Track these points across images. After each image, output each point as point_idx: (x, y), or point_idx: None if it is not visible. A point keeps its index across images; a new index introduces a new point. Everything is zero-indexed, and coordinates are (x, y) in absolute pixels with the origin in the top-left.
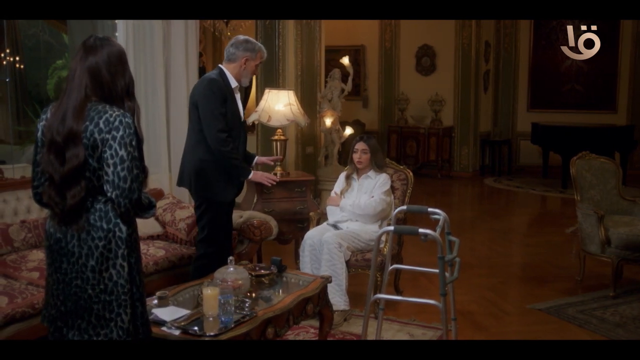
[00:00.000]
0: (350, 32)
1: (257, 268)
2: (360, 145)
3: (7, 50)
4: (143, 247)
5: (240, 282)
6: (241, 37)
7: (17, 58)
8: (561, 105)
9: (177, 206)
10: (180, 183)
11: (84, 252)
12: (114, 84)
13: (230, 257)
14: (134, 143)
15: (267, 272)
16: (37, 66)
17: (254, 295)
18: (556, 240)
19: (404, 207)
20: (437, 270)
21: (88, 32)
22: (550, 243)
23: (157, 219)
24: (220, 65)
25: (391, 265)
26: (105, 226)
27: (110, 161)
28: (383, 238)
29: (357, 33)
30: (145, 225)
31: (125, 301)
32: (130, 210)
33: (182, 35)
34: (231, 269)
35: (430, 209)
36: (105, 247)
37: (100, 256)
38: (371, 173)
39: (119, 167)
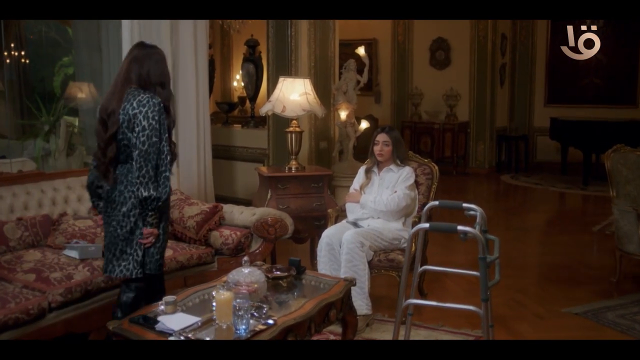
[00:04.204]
0: (362, 26)
1: (274, 270)
2: (381, 137)
3: (12, 45)
4: None
5: (256, 285)
6: None
7: (23, 53)
8: (579, 100)
9: (186, 203)
10: None
11: (120, 200)
12: (146, 74)
13: (245, 258)
14: (156, 118)
15: (285, 274)
16: (44, 62)
17: (271, 300)
18: (584, 238)
19: (436, 202)
20: (472, 272)
21: (93, 26)
22: (578, 242)
23: None
24: None
25: (420, 266)
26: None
27: (137, 129)
28: (405, 236)
29: (369, 26)
30: None
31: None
32: (149, 170)
33: (191, 25)
34: (246, 270)
35: (465, 204)
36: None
37: (132, 205)
38: (393, 167)
39: (140, 134)
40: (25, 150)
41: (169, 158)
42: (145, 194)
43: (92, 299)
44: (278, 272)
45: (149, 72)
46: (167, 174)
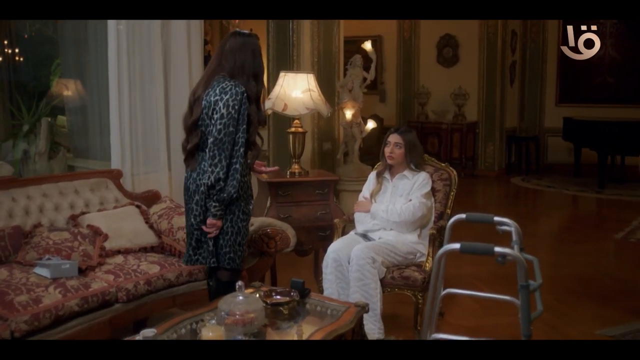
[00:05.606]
0: (367, 22)
1: (274, 294)
2: (393, 138)
3: (5, 42)
4: (133, 261)
5: (252, 315)
6: None
7: (16, 51)
8: (592, 99)
9: (175, 212)
10: None
11: (193, 189)
12: (241, 64)
13: (239, 283)
14: (236, 107)
15: (287, 299)
16: (40, 61)
17: (270, 331)
18: (607, 247)
19: (463, 215)
20: (508, 298)
21: (80, 22)
22: (601, 251)
23: (151, 227)
24: None
25: (443, 289)
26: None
27: (215, 115)
28: (421, 249)
29: (373, 23)
30: (137, 235)
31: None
32: (222, 160)
33: (184, 21)
34: (240, 297)
35: (497, 218)
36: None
37: (202, 194)
38: (407, 172)
39: (218, 122)
40: (10, 152)
41: (241, 150)
42: (209, 182)
43: (64, 326)
44: (278, 297)
45: (244, 63)
46: (237, 166)
